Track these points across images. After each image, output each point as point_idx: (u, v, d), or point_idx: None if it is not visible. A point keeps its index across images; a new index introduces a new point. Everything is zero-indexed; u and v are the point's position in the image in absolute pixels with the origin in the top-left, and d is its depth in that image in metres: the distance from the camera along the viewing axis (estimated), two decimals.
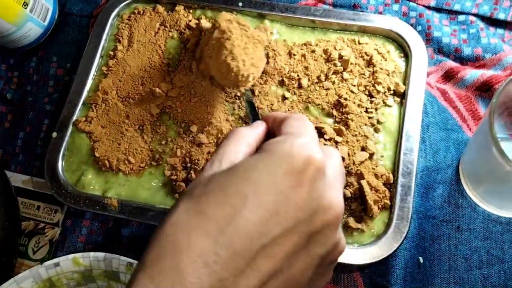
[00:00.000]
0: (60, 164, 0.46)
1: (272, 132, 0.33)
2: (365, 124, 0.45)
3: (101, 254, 0.41)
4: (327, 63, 0.47)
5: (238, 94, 0.45)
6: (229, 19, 0.42)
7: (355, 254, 0.41)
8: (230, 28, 0.41)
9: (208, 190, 0.27)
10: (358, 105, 0.45)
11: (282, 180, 0.26)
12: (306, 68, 0.47)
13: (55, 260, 0.41)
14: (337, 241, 0.29)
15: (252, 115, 0.39)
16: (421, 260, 0.43)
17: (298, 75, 0.47)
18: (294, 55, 0.48)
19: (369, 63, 0.47)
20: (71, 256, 0.41)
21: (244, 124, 0.46)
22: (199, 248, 0.24)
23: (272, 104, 0.46)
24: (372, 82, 0.46)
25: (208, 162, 0.30)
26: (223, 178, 0.27)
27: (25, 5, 0.51)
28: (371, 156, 0.44)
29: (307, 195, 0.26)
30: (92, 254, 0.41)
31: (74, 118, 0.48)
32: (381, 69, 0.46)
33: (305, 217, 0.26)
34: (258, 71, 0.43)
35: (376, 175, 0.43)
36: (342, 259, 0.40)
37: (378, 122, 0.45)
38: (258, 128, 0.33)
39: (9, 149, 0.52)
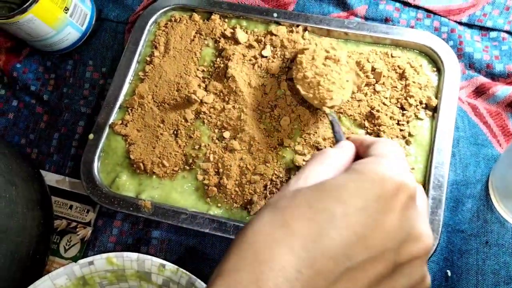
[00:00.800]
0: (95, 165, 0.47)
1: (358, 155, 0.32)
2: (397, 136, 0.45)
3: (134, 255, 0.42)
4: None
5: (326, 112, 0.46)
6: (321, 46, 0.45)
7: None
8: (317, 51, 0.43)
9: (294, 204, 0.26)
10: (390, 117, 0.46)
11: (373, 203, 0.25)
12: None
13: (89, 258, 0.42)
14: (424, 274, 0.27)
15: (337, 135, 0.39)
16: (449, 274, 0.44)
17: None
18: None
19: (402, 76, 0.47)
20: (105, 255, 0.42)
21: (276, 132, 0.47)
22: (282, 263, 0.23)
23: (305, 114, 0.47)
24: (404, 95, 0.47)
25: (294, 178, 0.29)
26: (310, 194, 0.26)
27: (66, 10, 0.52)
28: None
29: (398, 222, 0.25)
30: (125, 254, 0.42)
31: (111, 121, 0.49)
32: (414, 82, 0.47)
33: (393, 245, 0.25)
34: (345, 93, 0.44)
35: None
36: None
37: (410, 134, 0.45)
38: (348, 151, 0.31)
39: (44, 149, 0.54)
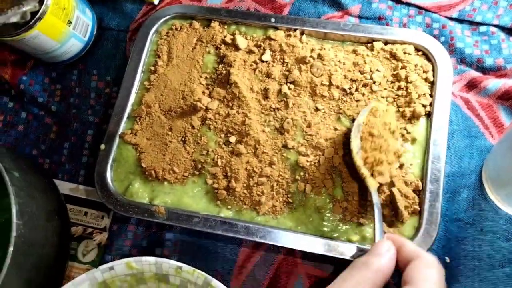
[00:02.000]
0: (109, 174, 0.49)
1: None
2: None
3: (152, 259, 0.45)
4: (356, 75, 0.50)
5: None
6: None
7: None
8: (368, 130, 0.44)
9: None
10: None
11: None
12: (337, 80, 0.50)
13: (110, 264, 0.45)
14: None
15: (377, 230, 0.41)
16: (448, 260, 0.46)
17: (329, 88, 0.50)
18: (326, 67, 0.51)
19: (397, 75, 0.50)
20: (125, 260, 0.45)
21: (279, 135, 0.49)
22: None
23: (306, 115, 0.49)
24: (400, 93, 0.49)
25: None
26: None
27: (69, 23, 0.54)
28: (401, 165, 0.46)
29: None
30: (144, 258, 0.45)
31: (120, 130, 0.51)
32: (408, 81, 0.49)
33: None
34: (392, 167, 0.45)
35: (406, 183, 0.46)
36: None
37: (407, 132, 0.48)
38: (388, 266, 0.34)
39: (56, 158, 0.56)
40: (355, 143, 0.44)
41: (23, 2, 0.48)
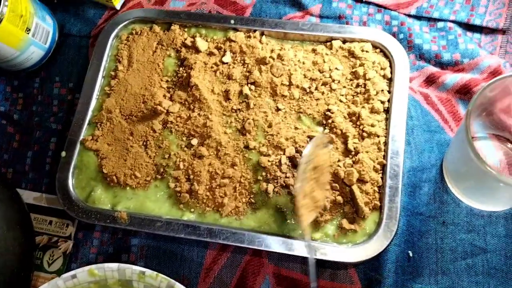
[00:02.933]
0: (70, 181, 0.49)
1: None
2: (354, 131, 0.48)
3: (114, 265, 0.44)
4: (315, 75, 0.51)
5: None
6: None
7: (349, 253, 0.44)
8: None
9: None
10: (348, 113, 0.48)
11: None
12: (297, 80, 0.50)
13: (72, 272, 0.44)
14: None
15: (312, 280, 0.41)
16: (411, 254, 0.47)
17: (289, 87, 0.50)
18: (285, 67, 0.51)
19: (355, 73, 0.50)
20: (86, 268, 0.44)
21: (241, 136, 0.49)
22: None
23: (267, 116, 0.50)
24: (359, 90, 0.49)
25: None
26: None
27: (27, 31, 0.53)
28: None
29: None
30: (106, 265, 0.44)
31: (81, 137, 0.51)
32: (367, 78, 0.49)
33: None
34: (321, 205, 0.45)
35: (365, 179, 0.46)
36: (338, 257, 0.44)
37: (366, 128, 0.48)
38: None
39: (19, 168, 0.55)
40: (298, 182, 0.43)
41: None
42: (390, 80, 0.50)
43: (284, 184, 0.47)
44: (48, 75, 0.58)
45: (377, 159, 0.47)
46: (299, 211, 0.43)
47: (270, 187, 0.47)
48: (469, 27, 0.55)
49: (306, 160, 0.44)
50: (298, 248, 0.45)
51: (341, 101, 0.49)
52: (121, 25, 0.55)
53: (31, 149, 0.55)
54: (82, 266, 0.49)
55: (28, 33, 0.54)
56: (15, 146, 0.56)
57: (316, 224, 0.45)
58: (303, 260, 0.47)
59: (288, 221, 0.46)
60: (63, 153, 0.50)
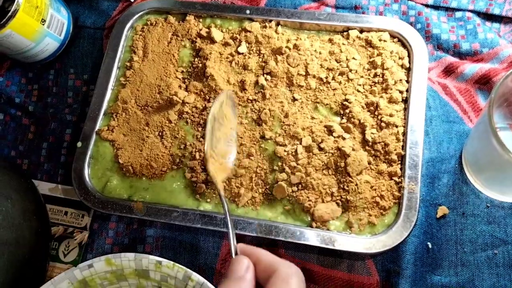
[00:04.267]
0: (86, 172, 0.49)
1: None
2: (372, 121, 0.47)
3: (131, 255, 0.44)
4: (332, 64, 0.50)
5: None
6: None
7: (368, 244, 0.43)
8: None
9: None
10: (365, 103, 0.48)
11: None
12: (314, 70, 0.50)
13: (89, 261, 0.44)
14: None
15: (231, 235, 0.37)
16: (430, 246, 0.46)
17: (306, 77, 0.50)
18: (302, 57, 0.50)
19: (373, 62, 0.49)
20: (103, 257, 0.44)
21: (257, 126, 0.49)
22: None
23: (283, 106, 0.49)
24: (376, 80, 0.49)
25: None
26: None
27: (43, 22, 0.53)
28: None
29: None
30: (123, 254, 0.44)
31: (97, 127, 0.50)
32: (385, 68, 0.49)
33: None
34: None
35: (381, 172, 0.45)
36: (356, 248, 0.43)
37: (384, 118, 0.48)
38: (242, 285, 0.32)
39: (34, 159, 0.55)
40: (206, 142, 0.42)
41: None
42: (409, 70, 0.49)
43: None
44: (63, 67, 0.58)
45: (395, 149, 0.46)
46: (210, 172, 0.42)
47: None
48: (488, 16, 0.54)
49: (212, 118, 0.43)
50: (314, 239, 0.44)
51: (358, 91, 0.49)
52: (136, 16, 0.54)
53: (46, 140, 0.55)
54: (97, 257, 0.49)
55: (43, 24, 0.54)
56: (31, 138, 0.56)
57: (337, 216, 0.45)
58: (320, 250, 0.47)
59: (305, 211, 0.46)
60: (79, 143, 0.50)
